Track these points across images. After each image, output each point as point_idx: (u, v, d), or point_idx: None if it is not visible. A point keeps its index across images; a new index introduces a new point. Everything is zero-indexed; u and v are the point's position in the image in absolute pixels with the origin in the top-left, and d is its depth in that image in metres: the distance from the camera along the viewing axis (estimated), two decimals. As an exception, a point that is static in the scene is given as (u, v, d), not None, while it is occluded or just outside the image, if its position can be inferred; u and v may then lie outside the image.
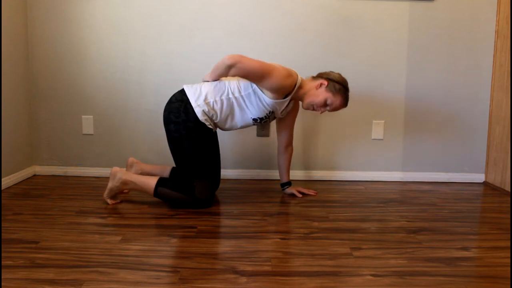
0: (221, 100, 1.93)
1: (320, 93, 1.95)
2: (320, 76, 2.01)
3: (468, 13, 2.47)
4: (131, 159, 2.25)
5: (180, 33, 2.46)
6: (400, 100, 2.54)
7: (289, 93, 1.93)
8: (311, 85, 1.97)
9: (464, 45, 2.50)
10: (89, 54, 2.48)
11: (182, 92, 1.97)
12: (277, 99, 1.92)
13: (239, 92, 1.94)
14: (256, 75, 1.85)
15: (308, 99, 1.97)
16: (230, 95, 1.93)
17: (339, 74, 2.01)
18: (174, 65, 2.48)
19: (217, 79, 1.98)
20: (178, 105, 1.92)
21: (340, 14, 2.45)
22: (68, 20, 2.45)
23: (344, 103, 2.00)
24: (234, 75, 1.91)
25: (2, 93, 2.22)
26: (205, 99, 1.92)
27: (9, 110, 2.30)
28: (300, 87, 1.96)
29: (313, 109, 2.00)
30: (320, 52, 2.47)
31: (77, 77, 2.50)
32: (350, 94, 2.54)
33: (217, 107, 1.93)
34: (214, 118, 1.95)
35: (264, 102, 1.93)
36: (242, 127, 2.06)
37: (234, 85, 1.95)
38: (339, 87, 1.95)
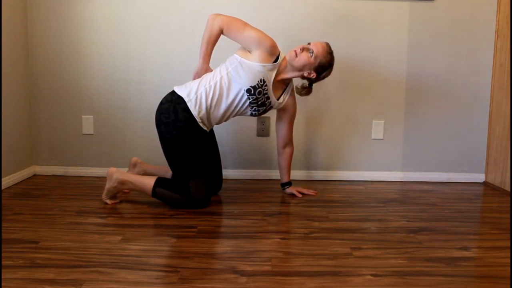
0: (211, 85, 1.93)
1: (307, 59, 1.95)
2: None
3: (468, 13, 2.47)
4: (134, 159, 2.25)
5: (180, 33, 2.46)
6: (400, 100, 2.54)
7: (276, 59, 1.94)
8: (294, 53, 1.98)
9: (464, 45, 2.50)
10: (89, 54, 2.48)
11: (172, 93, 1.98)
12: (264, 62, 1.91)
13: (226, 69, 1.95)
14: (238, 24, 1.93)
15: (298, 63, 1.95)
16: (218, 76, 1.95)
17: None
18: (174, 65, 2.48)
19: (207, 48, 1.99)
20: (168, 106, 1.93)
21: (340, 14, 2.45)
22: (68, 20, 2.45)
23: (325, 43, 2.00)
24: (219, 28, 1.93)
25: (2, 93, 2.22)
26: (197, 90, 1.93)
27: (9, 110, 2.30)
28: (284, 58, 1.99)
29: (296, 55, 1.94)
30: (320, 52, 2.47)
31: (77, 77, 2.50)
32: (350, 94, 2.54)
33: (208, 92, 1.92)
34: (208, 106, 1.94)
35: (253, 68, 1.91)
36: (239, 111, 2.00)
37: (220, 67, 1.98)
38: (322, 49, 1.98)
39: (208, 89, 1.93)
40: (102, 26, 2.45)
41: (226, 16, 1.94)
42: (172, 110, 1.91)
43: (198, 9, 2.43)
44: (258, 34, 1.92)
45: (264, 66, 1.92)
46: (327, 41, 2.04)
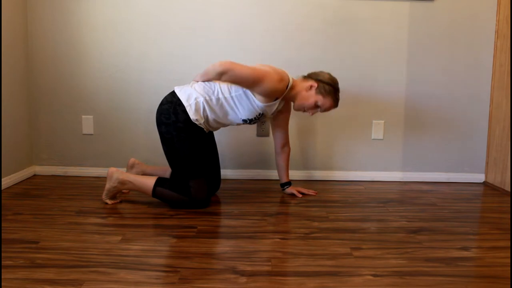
0: (211, 100, 1.93)
1: (310, 96, 1.96)
2: (310, 76, 2.01)
3: (468, 13, 2.47)
4: (132, 160, 2.26)
5: (180, 33, 2.46)
6: (400, 100, 2.54)
7: (281, 95, 1.95)
8: (301, 86, 1.98)
9: (464, 45, 2.50)
10: (89, 54, 2.48)
11: (172, 93, 1.97)
12: (268, 102, 1.93)
13: (229, 93, 1.93)
14: (247, 82, 1.87)
15: (298, 101, 1.99)
16: (220, 95, 1.93)
17: (329, 74, 2.01)
18: (174, 65, 2.48)
19: (206, 80, 1.99)
20: (168, 107, 1.93)
21: (340, 14, 2.45)
22: (68, 20, 2.45)
23: (334, 104, 2.00)
24: (225, 81, 1.92)
25: (2, 93, 2.22)
26: (196, 98, 1.92)
27: (9, 110, 2.30)
28: (291, 88, 1.97)
29: (304, 111, 2.02)
30: (320, 52, 2.47)
31: (77, 77, 2.50)
32: (350, 94, 2.53)
33: (207, 106, 1.93)
34: (205, 116, 1.95)
35: (255, 105, 1.93)
36: (230, 125, 2.06)
37: (224, 85, 1.95)
38: (329, 88, 1.96)
39: (205, 104, 1.92)
40: (102, 26, 2.45)
41: (235, 72, 1.86)
42: (173, 111, 1.91)
43: (198, 9, 2.43)
44: (268, 89, 1.87)
45: (267, 105, 1.95)
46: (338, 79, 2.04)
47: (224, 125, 2.04)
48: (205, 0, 2.43)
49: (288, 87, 1.94)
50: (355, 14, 2.46)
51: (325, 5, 2.45)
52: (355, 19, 2.46)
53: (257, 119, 2.02)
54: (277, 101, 1.96)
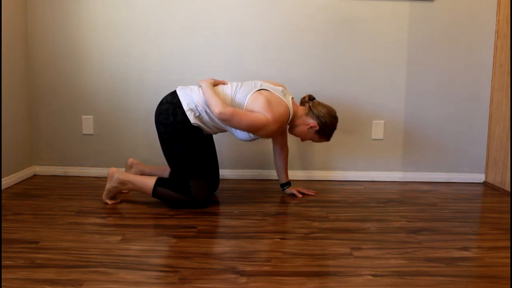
0: (210, 116, 1.91)
1: (308, 133, 2.02)
2: (311, 111, 1.99)
3: (468, 13, 2.47)
4: (130, 160, 2.26)
5: (180, 33, 2.45)
6: (400, 100, 2.54)
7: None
8: (302, 120, 2.00)
9: (464, 45, 2.50)
10: (89, 54, 2.48)
11: (173, 94, 1.97)
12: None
13: None
14: (246, 130, 1.88)
15: (296, 133, 2.04)
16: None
17: (329, 112, 2.00)
18: (174, 65, 2.48)
19: None
20: (167, 107, 1.93)
21: (340, 14, 2.45)
22: (68, 20, 2.45)
23: (327, 140, 2.07)
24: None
25: (2, 93, 2.22)
26: (197, 105, 1.91)
27: (9, 110, 2.30)
28: (292, 118, 1.99)
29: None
30: (320, 52, 2.47)
31: (77, 77, 2.50)
32: (350, 94, 2.54)
33: (207, 116, 1.92)
34: (205, 122, 1.94)
35: (252, 136, 1.92)
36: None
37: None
38: (328, 131, 2.01)
39: (204, 115, 1.91)
40: (102, 26, 2.45)
41: (233, 123, 1.85)
42: (172, 112, 1.91)
43: (198, 9, 2.43)
44: (268, 135, 1.93)
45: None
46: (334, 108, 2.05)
47: (226, 130, 2.02)
48: (205, 0, 2.43)
49: (289, 119, 1.97)
50: (355, 14, 2.46)
51: (325, 5, 2.45)
52: (355, 19, 2.46)
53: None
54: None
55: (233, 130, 1.93)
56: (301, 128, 2.01)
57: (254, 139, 1.95)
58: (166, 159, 1.99)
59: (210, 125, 1.96)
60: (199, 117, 1.92)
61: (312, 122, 1.98)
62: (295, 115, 1.99)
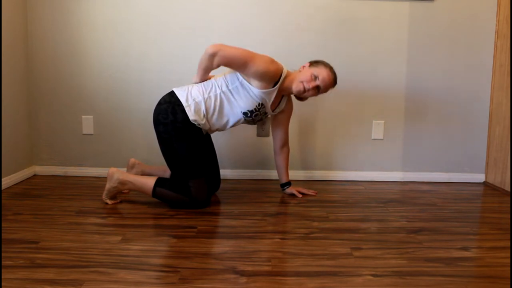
0: (210, 97, 1.94)
1: (304, 71, 1.98)
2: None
3: (468, 13, 2.47)
4: (132, 160, 2.26)
5: (180, 33, 2.46)
6: (400, 100, 2.54)
7: (276, 82, 1.94)
8: (295, 72, 2.02)
9: (464, 45, 2.50)
10: (89, 54, 2.48)
11: (171, 94, 1.97)
12: (264, 88, 1.92)
13: (227, 86, 1.95)
14: (239, 62, 1.87)
15: (296, 83, 1.96)
16: (218, 91, 1.94)
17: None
18: (174, 65, 2.48)
19: (203, 75, 1.99)
20: (166, 107, 1.93)
21: (340, 14, 2.45)
22: (68, 20, 2.45)
23: (332, 75, 1.99)
24: (218, 64, 1.91)
25: (2, 93, 2.22)
26: (195, 98, 1.92)
27: (9, 110, 2.30)
28: (286, 76, 1.98)
29: (304, 91, 1.96)
30: (320, 52, 2.47)
31: (77, 77, 2.50)
32: (350, 94, 2.54)
33: (207, 104, 1.93)
34: (205, 116, 1.95)
35: (252, 93, 1.93)
36: (234, 125, 2.04)
37: (221, 80, 1.97)
38: (321, 62, 2.01)
39: (204, 102, 1.93)
40: (102, 26, 2.45)
41: (226, 52, 1.86)
42: (171, 111, 1.91)
43: (198, 9, 2.43)
44: (261, 69, 1.86)
45: (264, 92, 1.94)
46: (331, 66, 2.02)
47: (226, 125, 2.03)
48: (205, 0, 2.43)
49: (283, 75, 1.95)
50: (355, 14, 2.46)
51: (325, 5, 2.45)
52: (355, 19, 2.46)
53: (258, 111, 1.99)
54: (275, 88, 1.95)
55: (235, 101, 1.94)
56: (297, 75, 1.97)
57: (258, 108, 1.96)
58: (165, 159, 1.98)
59: (212, 118, 1.95)
60: (198, 112, 1.91)
61: (302, 65, 2.03)
62: (288, 73, 1.99)
